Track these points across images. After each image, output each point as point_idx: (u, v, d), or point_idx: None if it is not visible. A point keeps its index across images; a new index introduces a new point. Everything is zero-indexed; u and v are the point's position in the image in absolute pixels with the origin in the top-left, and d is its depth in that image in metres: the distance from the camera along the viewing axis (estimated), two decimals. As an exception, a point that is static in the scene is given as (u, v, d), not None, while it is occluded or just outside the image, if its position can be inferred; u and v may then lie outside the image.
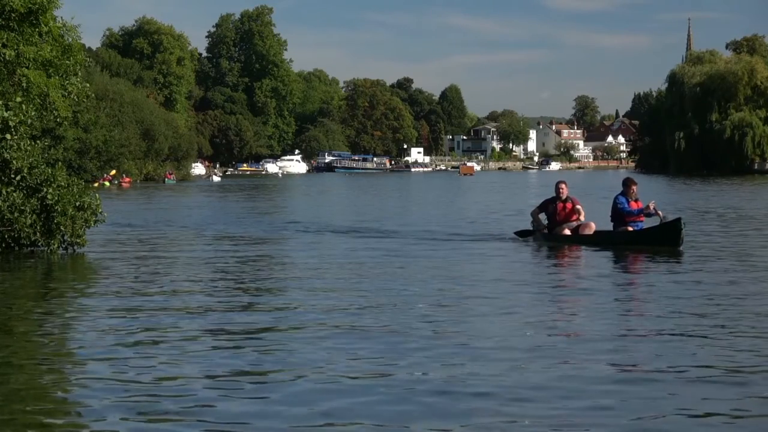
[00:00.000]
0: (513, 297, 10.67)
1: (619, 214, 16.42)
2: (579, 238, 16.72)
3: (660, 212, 16.15)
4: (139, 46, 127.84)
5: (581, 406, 6.04)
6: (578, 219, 17.09)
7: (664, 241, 15.42)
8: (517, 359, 7.30)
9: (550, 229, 17.25)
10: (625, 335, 8.31)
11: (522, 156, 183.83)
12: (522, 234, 18.06)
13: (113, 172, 70.35)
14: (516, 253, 16.00)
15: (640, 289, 11.53)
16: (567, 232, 16.92)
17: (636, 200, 16.49)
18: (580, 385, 6.49)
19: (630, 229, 16.23)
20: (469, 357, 7.40)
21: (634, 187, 16.46)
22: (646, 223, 16.53)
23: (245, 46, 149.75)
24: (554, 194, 17.33)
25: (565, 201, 17.16)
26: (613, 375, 6.85)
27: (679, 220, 15.55)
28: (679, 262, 14.09)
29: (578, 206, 17.17)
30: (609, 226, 16.83)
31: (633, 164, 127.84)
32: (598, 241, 16.43)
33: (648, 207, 16.30)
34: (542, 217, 17.58)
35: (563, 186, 17.30)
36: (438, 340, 8.09)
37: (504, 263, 14.57)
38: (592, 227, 16.83)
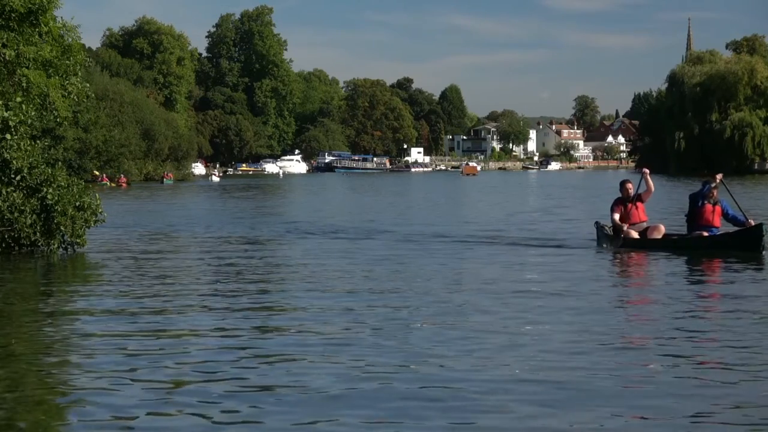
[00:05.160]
0: (577, 311, 9.57)
1: (693, 210, 15.40)
2: (649, 242, 15.62)
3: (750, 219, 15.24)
4: (139, 46, 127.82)
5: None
6: (648, 196, 16.33)
7: (744, 246, 14.32)
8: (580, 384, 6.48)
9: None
10: (705, 369, 7.03)
11: (522, 156, 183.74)
12: (603, 234, 16.58)
13: (124, 179, 69.52)
14: (579, 260, 14.67)
15: (721, 305, 10.07)
16: (635, 234, 15.88)
17: (715, 204, 15.37)
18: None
19: (705, 234, 15.17)
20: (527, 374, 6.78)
21: (715, 192, 15.36)
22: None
23: (245, 46, 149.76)
24: (620, 194, 16.30)
25: (634, 201, 16.18)
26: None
27: (761, 225, 14.49)
28: (761, 270, 12.93)
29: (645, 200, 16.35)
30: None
31: (633, 164, 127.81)
32: (670, 245, 15.30)
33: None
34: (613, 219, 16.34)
35: (630, 186, 16.27)
36: (499, 362, 7.18)
37: (567, 270, 13.16)
38: (662, 230, 15.83)
